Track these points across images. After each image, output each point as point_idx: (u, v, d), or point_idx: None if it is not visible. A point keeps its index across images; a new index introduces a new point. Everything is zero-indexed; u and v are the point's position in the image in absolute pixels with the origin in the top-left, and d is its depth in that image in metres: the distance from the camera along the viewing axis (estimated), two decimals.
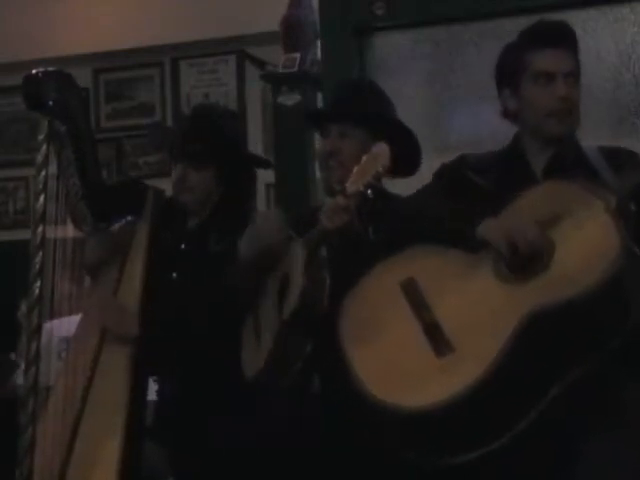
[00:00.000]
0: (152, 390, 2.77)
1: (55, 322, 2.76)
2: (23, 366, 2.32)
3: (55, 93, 2.37)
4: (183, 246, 2.75)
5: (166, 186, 2.83)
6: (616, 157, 2.26)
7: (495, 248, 2.11)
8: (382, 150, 2.29)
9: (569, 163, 2.26)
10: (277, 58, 4.23)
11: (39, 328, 2.29)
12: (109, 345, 2.53)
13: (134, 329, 2.51)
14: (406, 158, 2.59)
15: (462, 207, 2.21)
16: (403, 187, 2.56)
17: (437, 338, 2.07)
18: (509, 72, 2.34)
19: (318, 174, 3.88)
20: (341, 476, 2.42)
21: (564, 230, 2.06)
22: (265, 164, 2.88)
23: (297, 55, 4.11)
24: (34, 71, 2.39)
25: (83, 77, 5.37)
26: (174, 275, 2.72)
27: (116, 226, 2.68)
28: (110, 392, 2.45)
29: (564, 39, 2.31)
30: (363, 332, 2.18)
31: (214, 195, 2.74)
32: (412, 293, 2.17)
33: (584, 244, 2.03)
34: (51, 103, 2.36)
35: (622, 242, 1.97)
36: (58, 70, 2.44)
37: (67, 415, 2.43)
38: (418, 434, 2.06)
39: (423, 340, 2.09)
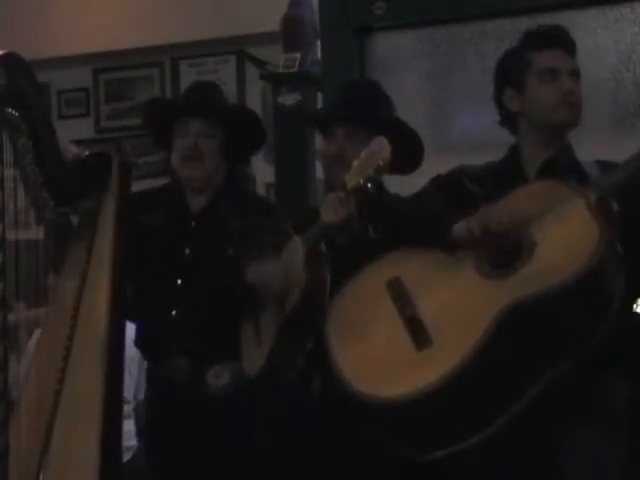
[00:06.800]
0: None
1: None
2: None
3: (4, 78, 2.19)
4: (194, 224, 2.73)
5: None
6: (610, 167, 2.27)
7: (473, 246, 2.15)
8: (382, 144, 2.28)
9: (562, 169, 2.28)
10: (277, 58, 4.24)
11: (4, 331, 2.13)
12: (79, 344, 2.34)
13: None
14: (409, 157, 2.59)
15: (452, 210, 2.23)
16: (405, 188, 2.55)
17: (418, 332, 2.11)
18: (513, 72, 2.35)
19: (318, 174, 3.90)
20: (341, 476, 2.43)
21: (546, 226, 2.09)
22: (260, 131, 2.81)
23: (297, 55, 4.12)
24: None
25: (83, 77, 5.38)
26: (187, 251, 2.68)
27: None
28: (83, 391, 2.29)
29: (562, 41, 2.35)
30: (348, 330, 2.21)
31: (219, 174, 2.71)
32: (397, 291, 2.20)
33: (564, 239, 2.06)
34: (0, 89, 2.18)
35: (602, 236, 1.99)
36: (6, 52, 2.22)
37: (40, 420, 2.27)
38: (392, 426, 2.10)
39: (405, 335, 2.13)
